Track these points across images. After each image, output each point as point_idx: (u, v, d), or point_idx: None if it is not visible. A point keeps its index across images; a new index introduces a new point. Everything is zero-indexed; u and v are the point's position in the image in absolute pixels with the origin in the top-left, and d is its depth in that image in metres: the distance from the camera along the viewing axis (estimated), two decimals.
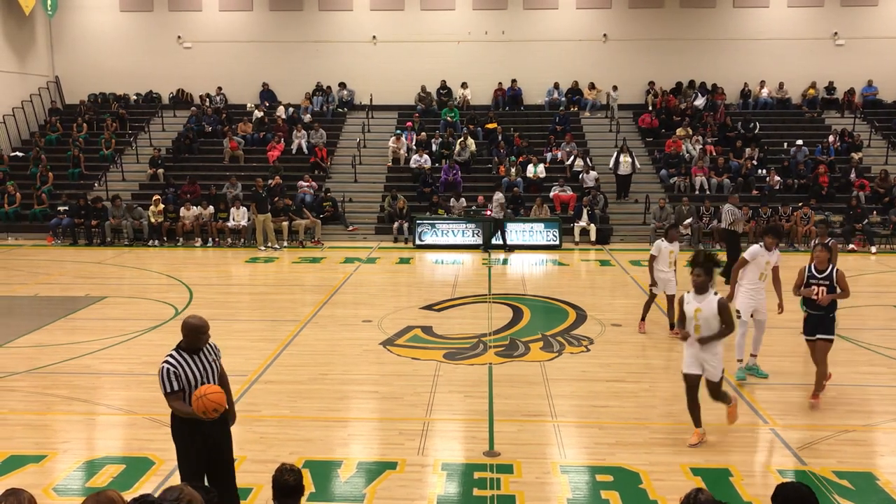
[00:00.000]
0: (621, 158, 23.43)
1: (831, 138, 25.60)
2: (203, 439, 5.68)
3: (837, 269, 8.80)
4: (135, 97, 29.63)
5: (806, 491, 3.96)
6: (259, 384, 9.77)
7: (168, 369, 5.61)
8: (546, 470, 7.35)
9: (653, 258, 12.07)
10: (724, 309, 7.56)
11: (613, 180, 23.94)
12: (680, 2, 28.46)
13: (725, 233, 17.40)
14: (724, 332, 7.58)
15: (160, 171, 24.79)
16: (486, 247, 21.25)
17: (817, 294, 8.71)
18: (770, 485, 6.36)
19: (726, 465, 7.36)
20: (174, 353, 5.71)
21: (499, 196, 21.28)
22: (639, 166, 23.89)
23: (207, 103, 28.50)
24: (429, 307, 14.10)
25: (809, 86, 28.30)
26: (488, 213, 21.89)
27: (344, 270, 17.99)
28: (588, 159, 24.51)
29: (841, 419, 8.60)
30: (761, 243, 9.96)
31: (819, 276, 8.76)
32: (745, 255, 9.98)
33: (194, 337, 5.70)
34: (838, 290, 8.71)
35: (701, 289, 7.64)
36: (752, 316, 9.95)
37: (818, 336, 8.80)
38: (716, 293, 7.63)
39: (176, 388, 5.61)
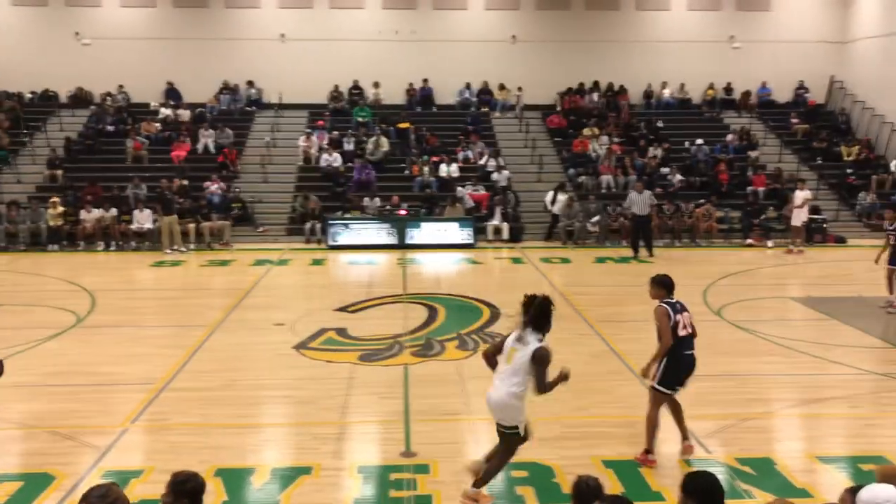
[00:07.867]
0: (559, 196, 22.29)
1: (730, 137, 26.65)
2: None
3: None
4: (30, 95, 28.23)
5: (711, 479, 4.16)
6: (168, 392, 9.48)
7: None
8: (463, 468, 7.40)
9: None
10: None
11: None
12: (585, 4, 29.08)
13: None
14: None
15: (59, 172, 23.74)
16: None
17: None
18: (677, 475, 6.59)
19: (636, 458, 7.56)
20: None
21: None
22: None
23: (108, 102, 27.45)
24: (343, 308, 13.97)
25: (709, 86, 29.39)
26: (403, 212, 21.88)
27: (254, 273, 17.64)
28: (499, 159, 24.77)
29: (742, 408, 8.97)
30: None
31: None
32: None
33: None
34: None
35: None
36: None
37: None
38: None
39: None
